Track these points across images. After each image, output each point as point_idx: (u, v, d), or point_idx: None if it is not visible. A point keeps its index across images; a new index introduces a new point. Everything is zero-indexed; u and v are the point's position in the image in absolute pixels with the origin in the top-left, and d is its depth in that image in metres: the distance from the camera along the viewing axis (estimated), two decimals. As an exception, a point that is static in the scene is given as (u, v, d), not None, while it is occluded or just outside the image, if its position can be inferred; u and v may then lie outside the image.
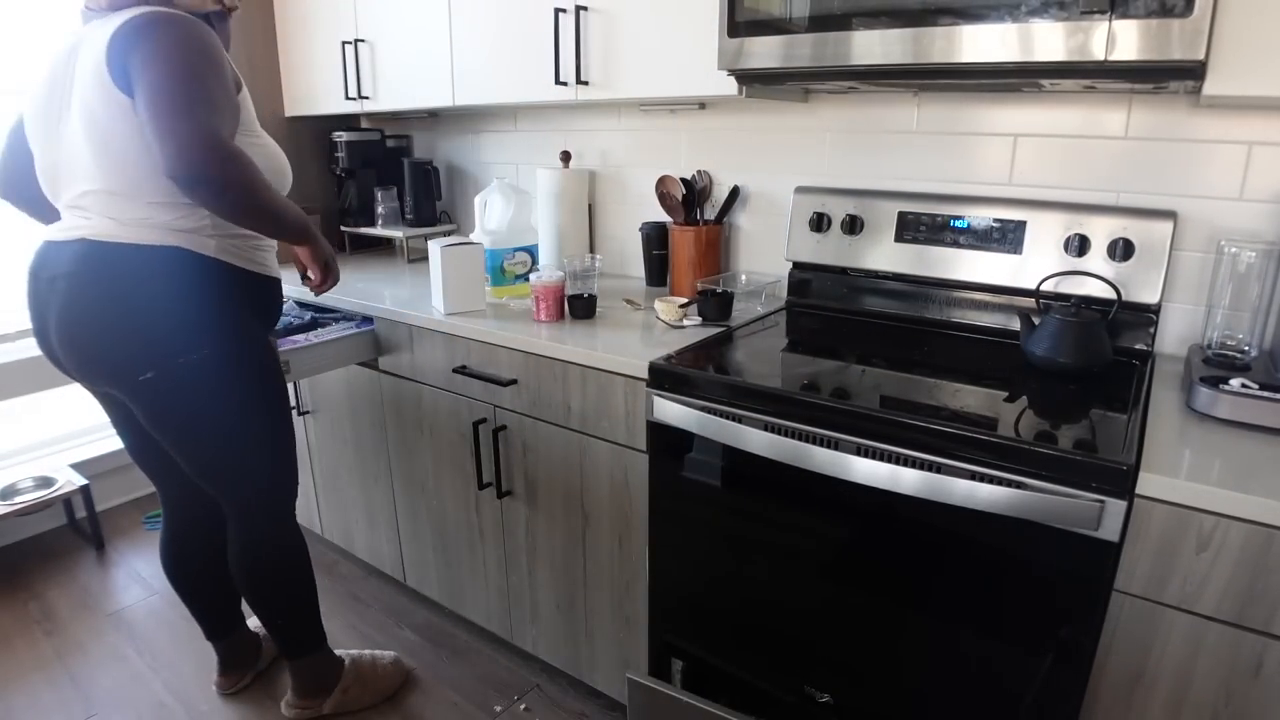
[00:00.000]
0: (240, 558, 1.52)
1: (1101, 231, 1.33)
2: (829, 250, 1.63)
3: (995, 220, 1.43)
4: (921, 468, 1.03)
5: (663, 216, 1.88)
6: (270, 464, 1.49)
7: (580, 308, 1.60)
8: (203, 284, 1.30)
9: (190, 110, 1.15)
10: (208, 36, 1.23)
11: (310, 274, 1.48)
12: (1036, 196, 1.43)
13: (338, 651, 1.72)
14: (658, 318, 1.59)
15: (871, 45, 1.18)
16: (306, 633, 1.63)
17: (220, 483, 1.46)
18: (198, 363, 1.31)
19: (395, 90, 2.06)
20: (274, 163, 1.39)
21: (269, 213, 1.26)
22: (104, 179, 1.23)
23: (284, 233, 1.34)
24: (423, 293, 1.89)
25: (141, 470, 1.60)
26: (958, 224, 1.47)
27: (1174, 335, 1.37)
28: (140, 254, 1.24)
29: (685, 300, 1.60)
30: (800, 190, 1.67)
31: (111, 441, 2.65)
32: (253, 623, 1.83)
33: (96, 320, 1.25)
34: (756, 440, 1.17)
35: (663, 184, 1.82)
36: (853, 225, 1.58)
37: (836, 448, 1.10)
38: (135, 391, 1.31)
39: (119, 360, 1.28)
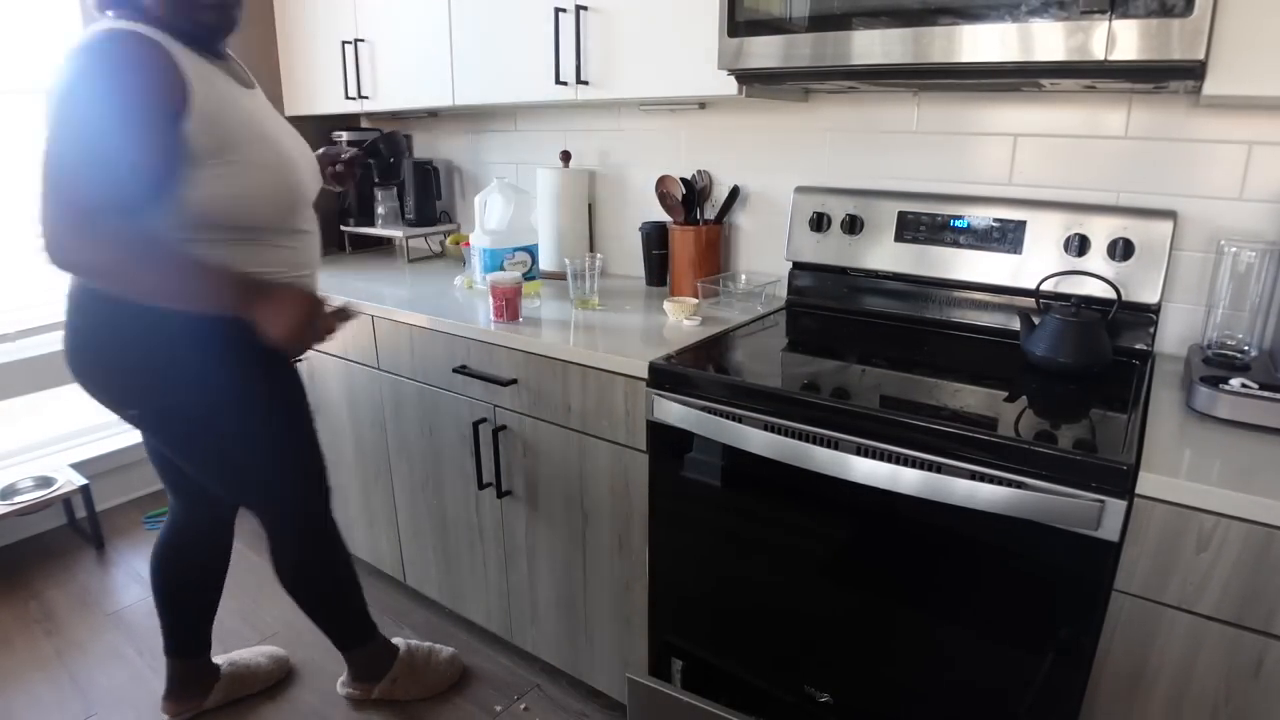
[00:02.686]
0: (281, 571, 1.52)
1: (1101, 231, 1.33)
2: (829, 250, 1.63)
3: (995, 220, 1.43)
4: (921, 467, 1.03)
5: (663, 216, 1.88)
6: (292, 484, 1.43)
7: None
8: (192, 322, 1.18)
9: (58, 185, 1.05)
10: (143, 63, 1.07)
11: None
12: (1036, 196, 1.43)
13: (395, 640, 1.75)
14: (670, 317, 1.59)
15: (871, 45, 1.18)
16: (354, 629, 1.65)
17: (247, 506, 1.46)
18: (184, 404, 1.25)
19: (395, 90, 2.06)
20: (258, 188, 1.21)
21: (163, 294, 1.13)
22: None
23: (202, 307, 1.17)
24: (423, 292, 1.89)
25: (156, 473, 1.57)
26: (958, 224, 1.47)
27: (1174, 335, 1.37)
28: (104, 296, 1.18)
29: (695, 300, 1.61)
30: (800, 190, 1.67)
31: (111, 441, 2.65)
32: (221, 658, 1.76)
33: (84, 349, 1.23)
34: (756, 440, 1.17)
35: (663, 184, 1.82)
36: (853, 225, 1.58)
37: (836, 447, 1.10)
38: (130, 421, 1.30)
39: (109, 393, 1.26)
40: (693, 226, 1.76)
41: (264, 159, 1.22)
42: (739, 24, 1.31)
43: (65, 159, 1.06)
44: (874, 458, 1.06)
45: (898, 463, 1.04)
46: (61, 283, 1.22)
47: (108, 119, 1.06)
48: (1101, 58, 1.01)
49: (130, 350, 1.21)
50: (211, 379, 1.25)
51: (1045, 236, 1.38)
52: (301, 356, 1.36)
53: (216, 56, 1.23)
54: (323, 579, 1.56)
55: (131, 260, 1.10)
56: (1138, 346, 1.35)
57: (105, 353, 1.22)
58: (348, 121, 2.52)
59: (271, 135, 1.25)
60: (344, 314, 1.30)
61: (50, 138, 1.06)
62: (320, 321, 1.26)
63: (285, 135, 1.30)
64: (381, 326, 1.78)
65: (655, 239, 1.89)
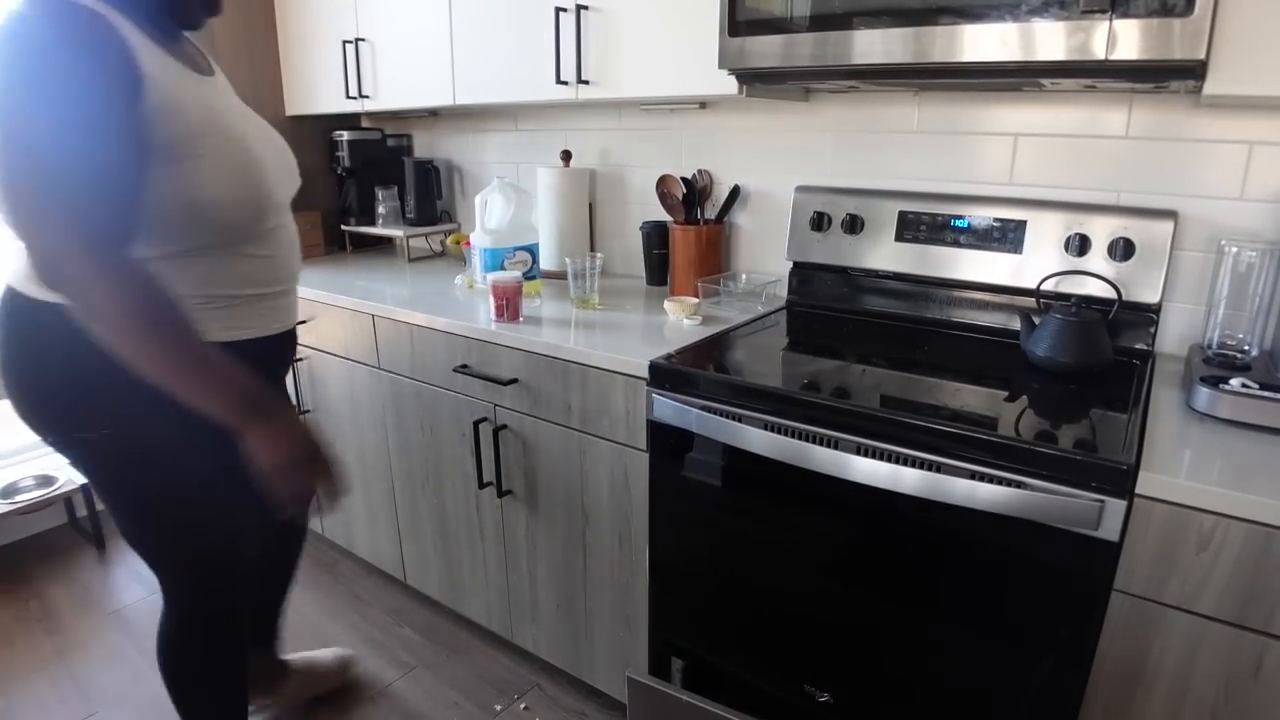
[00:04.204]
0: (159, 639, 1.31)
1: (1102, 231, 1.33)
2: (829, 250, 1.63)
3: (996, 220, 1.43)
4: (922, 467, 1.03)
5: (663, 216, 1.88)
6: (194, 550, 1.22)
7: None
8: (82, 346, 0.96)
9: (52, 192, 0.87)
10: (97, 42, 0.89)
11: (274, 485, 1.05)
12: (1037, 196, 1.43)
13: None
14: (671, 316, 1.59)
15: (872, 44, 1.18)
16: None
17: (139, 552, 1.23)
18: (97, 440, 1.08)
19: (396, 89, 2.06)
20: (218, 188, 1.03)
21: (160, 368, 0.93)
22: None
23: (195, 401, 0.96)
24: (423, 291, 1.89)
25: None
26: (958, 223, 1.47)
27: (1174, 335, 1.37)
28: (50, 312, 1.00)
29: (696, 300, 1.62)
30: (801, 189, 1.67)
31: (112, 440, 2.64)
32: (295, 656, 1.73)
33: (8, 375, 1.09)
34: (757, 439, 1.17)
35: (663, 183, 1.82)
36: (853, 225, 1.58)
37: (837, 447, 1.10)
38: (65, 446, 1.13)
39: (30, 418, 1.11)
40: (693, 226, 1.77)
41: (224, 154, 1.04)
42: (740, 23, 1.31)
43: (48, 161, 0.87)
44: (874, 457, 1.06)
45: (898, 462, 1.04)
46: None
47: (82, 111, 0.88)
48: (1102, 57, 1.01)
49: (37, 378, 1.06)
50: (113, 425, 1.07)
51: (1046, 236, 1.38)
52: (275, 500, 1.06)
53: (168, 37, 1.04)
54: (203, 672, 1.33)
55: (147, 319, 0.91)
56: (1138, 346, 1.35)
57: (14, 375, 1.07)
58: (348, 121, 2.52)
59: (233, 128, 1.07)
60: (333, 475, 1.12)
61: (15, 132, 0.86)
62: (313, 470, 1.08)
63: (251, 127, 1.13)
64: (382, 326, 1.78)
65: (656, 238, 1.89)
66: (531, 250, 1.84)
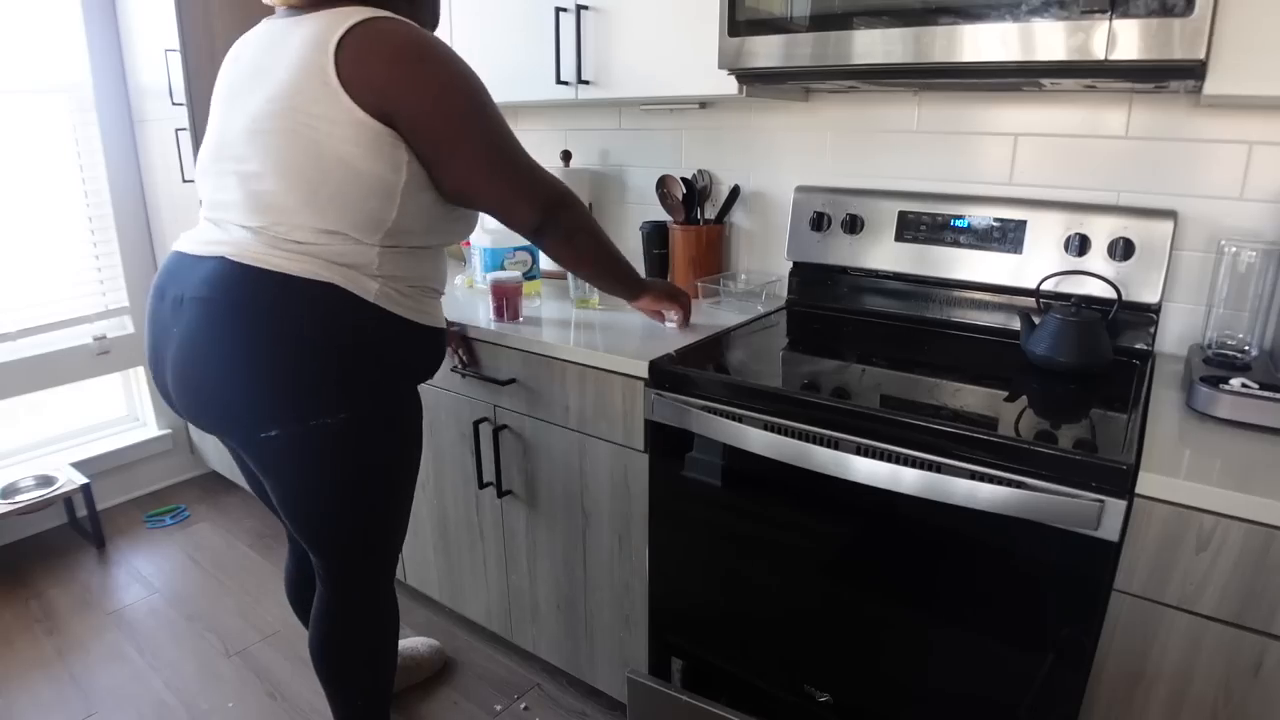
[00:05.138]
0: (321, 621, 1.29)
1: (1102, 231, 1.33)
2: (829, 250, 1.63)
3: (995, 220, 1.43)
4: (922, 467, 1.03)
5: (663, 216, 1.88)
6: (385, 536, 1.27)
7: None
8: (357, 333, 1.07)
9: (524, 161, 1.14)
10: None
11: (672, 315, 1.49)
12: (1037, 196, 1.43)
13: None
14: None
15: (872, 44, 1.18)
16: (371, 717, 1.38)
17: (321, 549, 1.23)
18: (331, 427, 1.08)
19: (396, 89, 2.05)
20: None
21: (608, 261, 1.30)
22: (287, 191, 1.02)
23: (619, 285, 1.36)
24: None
25: (259, 499, 1.42)
26: (958, 223, 1.47)
27: (1174, 335, 1.37)
28: (290, 286, 1.02)
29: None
30: (800, 189, 1.67)
31: (112, 440, 2.65)
32: (418, 643, 1.78)
33: (224, 359, 1.03)
34: (756, 440, 1.17)
35: (663, 183, 1.82)
36: (853, 225, 1.58)
37: (837, 447, 1.10)
38: (252, 446, 1.10)
39: (241, 411, 1.06)
40: (693, 226, 1.77)
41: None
42: (739, 23, 1.31)
43: (505, 132, 1.13)
44: (874, 457, 1.06)
45: (898, 462, 1.04)
46: (187, 298, 1.05)
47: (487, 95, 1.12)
48: (1102, 57, 1.01)
49: (271, 361, 1.03)
50: (349, 409, 1.09)
51: (1045, 236, 1.38)
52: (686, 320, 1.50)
53: None
54: (367, 643, 1.34)
55: (603, 239, 1.27)
56: (1138, 346, 1.35)
57: (237, 359, 1.03)
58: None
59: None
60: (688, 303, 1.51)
61: (489, 122, 1.09)
62: (682, 303, 1.50)
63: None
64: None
65: (656, 238, 1.89)
66: (531, 250, 1.84)
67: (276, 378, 1.04)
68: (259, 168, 1.03)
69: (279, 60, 1.04)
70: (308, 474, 1.13)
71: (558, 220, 1.18)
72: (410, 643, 1.81)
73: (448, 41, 1.87)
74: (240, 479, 2.60)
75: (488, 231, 1.83)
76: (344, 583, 1.28)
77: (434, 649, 1.83)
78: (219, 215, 1.09)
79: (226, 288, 1.02)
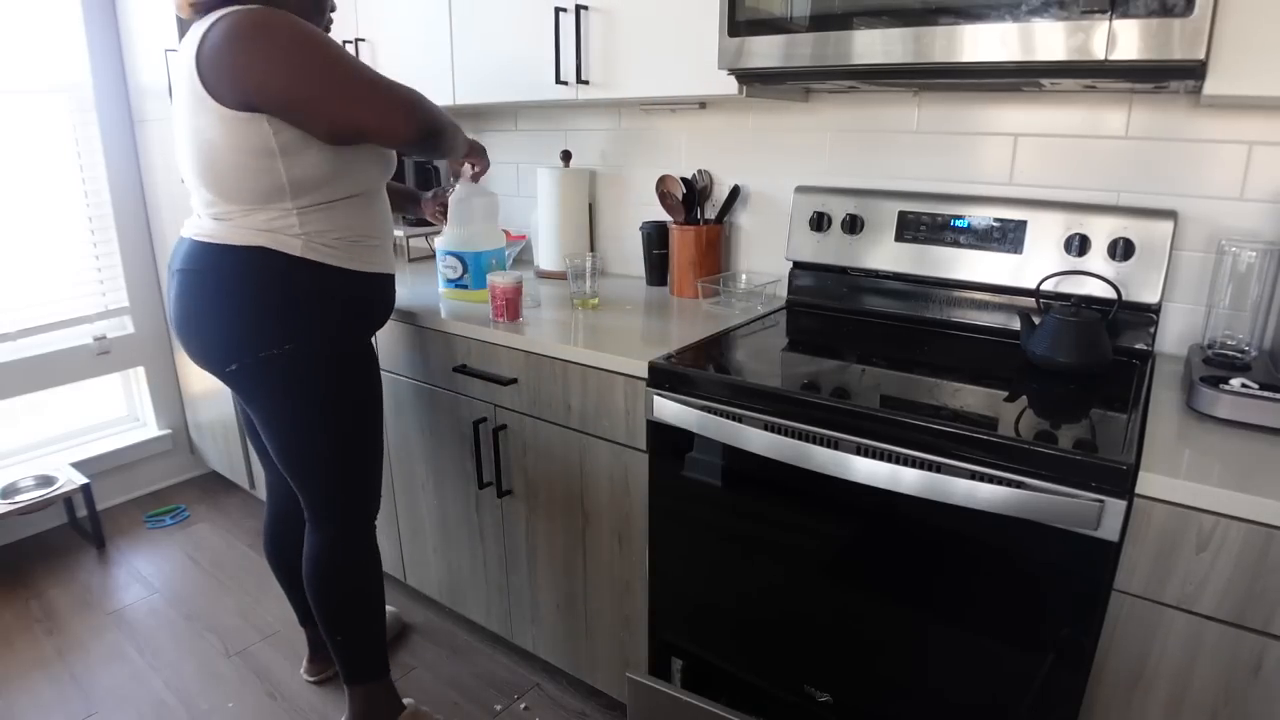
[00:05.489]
0: (309, 561, 1.47)
1: (1102, 231, 1.33)
2: (829, 250, 1.63)
3: (995, 220, 1.43)
4: (921, 467, 1.03)
5: (663, 216, 1.88)
6: (346, 469, 1.43)
7: None
8: (285, 282, 1.30)
9: (369, 85, 1.22)
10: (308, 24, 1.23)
11: (474, 168, 1.63)
12: (1037, 196, 1.43)
13: (406, 700, 1.61)
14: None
15: (872, 45, 1.18)
16: (368, 657, 1.53)
17: (296, 479, 1.43)
18: (278, 357, 1.31)
19: (396, 89, 2.05)
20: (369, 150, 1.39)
21: (455, 132, 1.40)
22: (205, 184, 1.28)
23: (460, 145, 1.44)
24: (423, 290, 1.89)
25: (257, 453, 1.64)
26: (958, 223, 1.47)
27: (1174, 335, 1.37)
28: (230, 253, 1.28)
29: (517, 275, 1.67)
30: (800, 190, 1.67)
31: (112, 440, 2.65)
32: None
33: (195, 313, 1.32)
34: (756, 440, 1.17)
35: (663, 183, 1.82)
36: (853, 225, 1.58)
37: (837, 447, 1.10)
38: (227, 380, 1.36)
39: (211, 351, 1.33)
40: (693, 226, 1.77)
41: None
42: (739, 24, 1.31)
43: (342, 65, 1.22)
44: (874, 457, 1.06)
45: (898, 463, 1.04)
46: (175, 271, 1.34)
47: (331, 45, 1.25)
48: (1102, 58, 1.01)
49: (223, 311, 1.30)
50: (290, 341, 1.32)
51: (1045, 236, 1.38)
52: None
53: None
54: (348, 578, 1.49)
55: (431, 106, 1.33)
56: (1138, 346, 1.35)
57: (202, 312, 1.31)
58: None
59: None
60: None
61: (324, 72, 1.20)
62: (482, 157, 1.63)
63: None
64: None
65: (656, 239, 1.89)
66: (498, 256, 1.75)
67: (228, 323, 1.30)
68: (188, 173, 1.31)
69: (176, 74, 1.27)
70: (270, 399, 1.36)
71: (423, 129, 1.28)
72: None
73: (448, 41, 1.87)
74: (240, 477, 2.60)
75: (454, 232, 1.74)
76: (325, 518, 1.46)
77: (392, 614, 1.95)
78: (192, 206, 1.36)
79: (192, 259, 1.31)
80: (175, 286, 1.34)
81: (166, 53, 2.15)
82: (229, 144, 1.22)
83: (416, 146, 1.31)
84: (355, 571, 1.50)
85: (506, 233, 2.26)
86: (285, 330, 1.31)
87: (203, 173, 1.27)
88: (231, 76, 1.18)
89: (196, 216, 1.34)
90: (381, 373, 1.82)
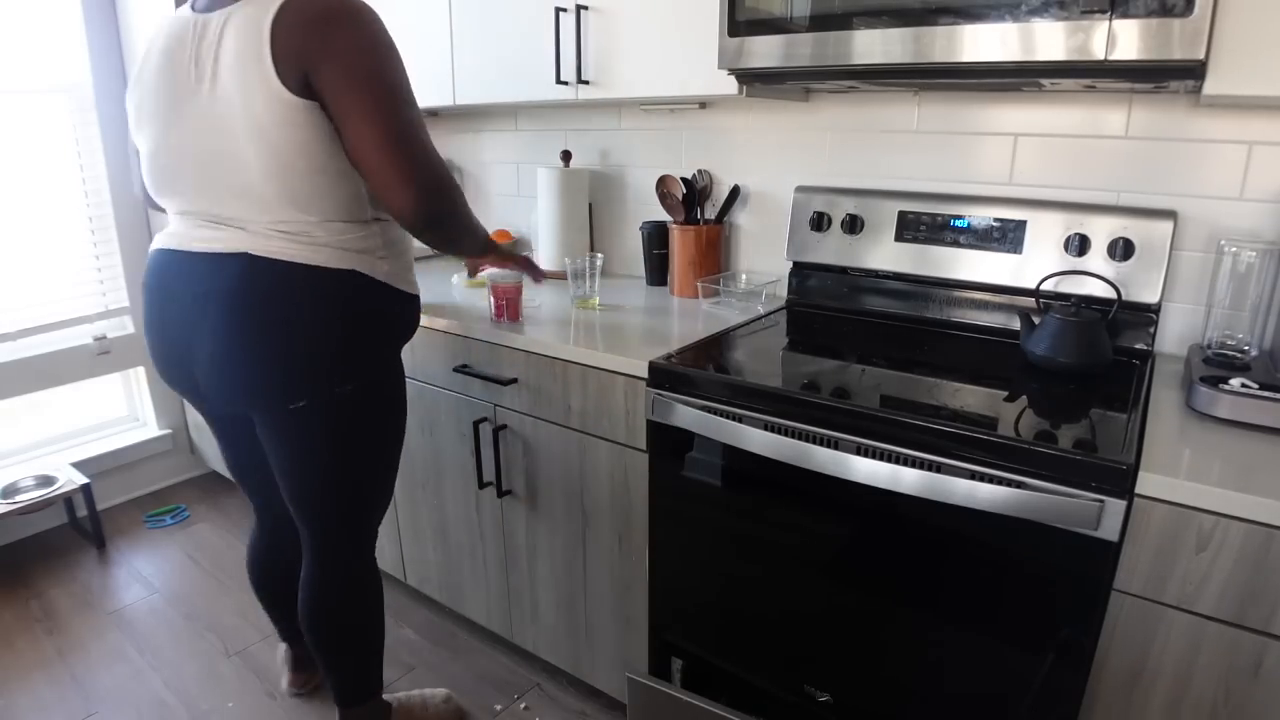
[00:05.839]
0: (315, 595, 1.38)
1: (1101, 231, 1.33)
2: (829, 250, 1.63)
3: (995, 220, 1.43)
4: (922, 467, 1.03)
5: (663, 216, 1.88)
6: (376, 502, 1.38)
7: None
8: (371, 309, 1.20)
9: (419, 141, 1.09)
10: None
11: (533, 277, 1.52)
12: (1037, 196, 1.43)
13: (384, 696, 1.57)
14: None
15: (872, 44, 1.18)
16: (368, 680, 1.48)
17: (313, 512, 1.32)
18: (350, 394, 1.21)
19: (396, 89, 2.05)
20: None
21: (472, 236, 1.26)
22: (269, 189, 1.10)
23: (474, 249, 1.32)
24: (423, 291, 1.89)
25: (238, 482, 1.53)
26: (958, 223, 1.47)
27: (1174, 335, 1.37)
28: (314, 275, 1.13)
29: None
30: (800, 190, 1.67)
31: (112, 440, 2.65)
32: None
33: (259, 343, 1.13)
34: (757, 440, 1.17)
35: (663, 183, 1.82)
36: (853, 225, 1.58)
37: (837, 447, 1.10)
38: (279, 417, 1.20)
39: (274, 386, 1.16)
40: (693, 226, 1.77)
41: None
42: (739, 23, 1.31)
43: (414, 117, 1.12)
44: (874, 457, 1.06)
45: (898, 462, 1.05)
46: (211, 293, 1.14)
47: (406, 75, 1.15)
48: (1102, 58, 1.01)
49: (303, 341, 1.15)
50: (363, 376, 1.23)
51: (1045, 236, 1.38)
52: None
53: None
54: (359, 604, 1.43)
55: (468, 212, 1.23)
56: (1138, 346, 1.35)
57: (272, 342, 1.14)
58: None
59: None
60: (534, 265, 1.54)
61: (383, 91, 1.09)
62: (528, 265, 1.52)
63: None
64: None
65: (656, 238, 1.89)
66: None
67: (308, 355, 1.16)
68: (249, 176, 1.10)
69: (220, 60, 1.08)
70: (328, 438, 1.24)
71: (433, 214, 1.13)
72: (430, 692, 1.70)
73: (447, 41, 1.87)
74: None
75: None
76: (333, 551, 1.37)
77: (452, 706, 1.69)
78: (216, 214, 1.15)
79: (257, 281, 1.12)
80: (220, 312, 1.12)
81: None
82: (305, 139, 1.07)
83: (418, 223, 1.13)
84: (364, 598, 1.43)
85: (503, 232, 2.27)
86: (361, 363, 1.21)
87: (274, 175, 1.08)
88: (321, 53, 1.04)
89: (226, 229, 1.13)
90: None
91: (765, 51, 1.29)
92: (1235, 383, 1.05)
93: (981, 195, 1.48)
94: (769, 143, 1.76)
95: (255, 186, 1.10)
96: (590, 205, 2.09)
